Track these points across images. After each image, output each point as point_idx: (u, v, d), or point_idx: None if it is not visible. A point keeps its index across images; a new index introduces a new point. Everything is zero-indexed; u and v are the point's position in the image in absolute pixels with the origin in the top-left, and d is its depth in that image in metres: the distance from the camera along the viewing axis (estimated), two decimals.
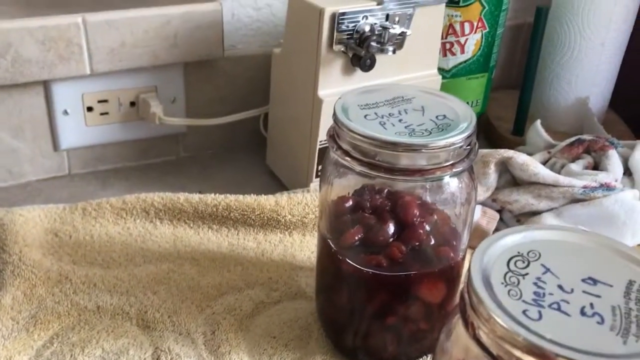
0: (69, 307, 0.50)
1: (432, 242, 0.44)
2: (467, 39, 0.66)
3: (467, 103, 0.69)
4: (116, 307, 0.50)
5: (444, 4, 0.60)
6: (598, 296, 0.27)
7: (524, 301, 0.27)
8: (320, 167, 0.61)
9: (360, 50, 0.56)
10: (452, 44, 0.67)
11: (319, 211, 0.47)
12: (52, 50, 0.59)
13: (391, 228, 0.44)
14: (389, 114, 0.42)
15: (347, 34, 0.56)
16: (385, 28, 0.55)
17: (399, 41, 0.58)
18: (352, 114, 0.42)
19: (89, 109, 0.65)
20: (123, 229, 0.58)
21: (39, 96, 0.62)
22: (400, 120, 0.41)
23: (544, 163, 0.64)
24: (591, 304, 0.27)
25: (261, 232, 0.59)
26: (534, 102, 0.79)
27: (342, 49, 0.56)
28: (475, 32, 0.66)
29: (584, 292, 0.27)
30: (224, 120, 0.69)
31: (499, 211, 0.60)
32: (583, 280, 0.28)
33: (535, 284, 0.28)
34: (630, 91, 0.82)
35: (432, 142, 0.39)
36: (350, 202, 0.46)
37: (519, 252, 0.29)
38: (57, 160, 0.67)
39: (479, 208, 0.59)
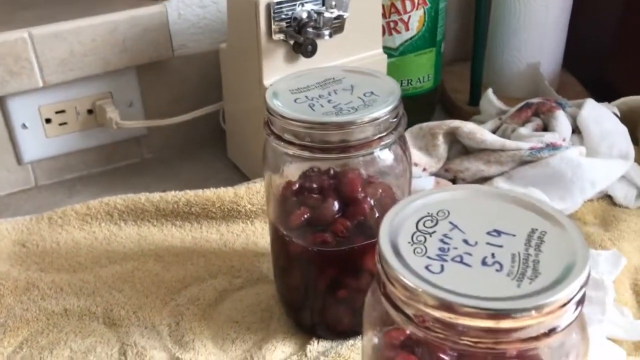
0: (37, 313, 0.51)
1: (377, 215, 0.46)
2: (410, 16, 0.68)
3: (418, 79, 0.71)
4: (83, 308, 0.52)
5: None
6: (500, 246, 0.29)
7: (428, 257, 0.28)
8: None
9: (299, 37, 0.57)
10: (395, 22, 0.68)
11: (265, 198, 0.49)
12: (1, 67, 0.60)
13: (335, 205, 0.46)
14: (319, 96, 0.44)
15: (286, 23, 0.57)
16: (319, 13, 0.56)
17: (338, 25, 0.59)
18: (283, 98, 0.43)
19: (47, 120, 0.66)
20: (88, 234, 0.60)
21: None
22: (329, 101, 0.43)
23: (496, 129, 0.66)
24: (492, 254, 0.28)
25: (223, 223, 0.61)
26: (488, 71, 0.80)
27: (282, 38, 0.58)
28: (417, 9, 0.68)
29: (487, 243, 0.29)
30: (181, 119, 0.70)
31: (452, 180, 0.61)
32: (488, 233, 0.29)
33: (441, 240, 0.29)
34: (583, 51, 0.83)
35: (358, 119, 0.40)
36: (296, 186, 0.47)
37: (428, 213, 0.31)
38: (22, 174, 0.68)
39: (432, 179, 0.61)
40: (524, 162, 0.59)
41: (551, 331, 0.26)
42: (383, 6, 0.67)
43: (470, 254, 0.28)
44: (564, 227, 0.29)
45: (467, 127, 0.60)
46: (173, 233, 0.60)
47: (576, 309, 0.27)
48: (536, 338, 0.26)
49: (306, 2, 0.57)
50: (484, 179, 0.60)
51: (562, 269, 0.27)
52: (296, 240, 0.45)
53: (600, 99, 0.68)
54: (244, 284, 0.54)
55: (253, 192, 0.61)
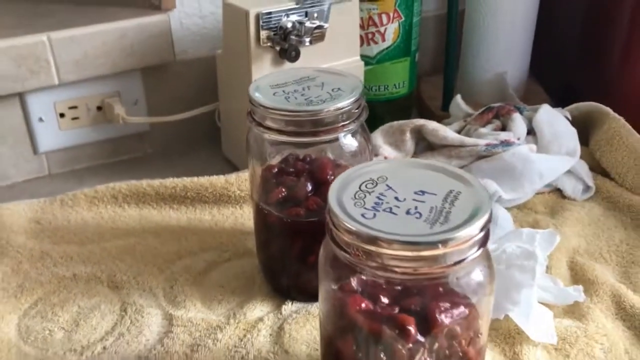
0: (50, 277, 0.59)
1: None
2: (385, 28, 0.76)
3: (394, 85, 0.79)
4: (90, 274, 0.59)
5: (357, 0, 0.69)
6: (423, 202, 0.36)
7: (364, 208, 0.36)
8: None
9: (284, 44, 0.65)
10: (373, 34, 0.76)
11: (249, 181, 0.57)
12: (23, 66, 0.69)
13: (308, 185, 0.53)
14: (294, 90, 0.52)
15: (273, 31, 0.65)
16: (301, 23, 0.64)
17: (319, 34, 0.67)
18: (264, 92, 0.51)
19: (61, 115, 0.74)
20: (96, 214, 0.68)
21: (16, 107, 0.72)
22: (302, 95, 0.51)
23: (461, 130, 0.74)
24: (415, 207, 0.36)
25: (215, 207, 0.69)
26: (461, 80, 0.88)
27: (270, 44, 0.66)
28: (392, 22, 0.76)
29: (413, 200, 0.37)
30: (181, 117, 0.78)
31: None
32: (415, 192, 0.37)
33: (377, 197, 0.37)
34: (549, 61, 0.91)
35: (325, 108, 0.48)
36: (275, 169, 0.55)
37: (370, 178, 0.39)
38: (37, 163, 0.76)
39: None
40: (480, 157, 0.67)
41: (457, 263, 0.34)
42: (362, 19, 0.75)
43: (398, 207, 0.36)
44: (475, 188, 0.37)
45: (431, 125, 0.68)
46: (170, 214, 0.68)
47: (479, 247, 0.35)
48: (446, 267, 0.34)
49: (291, 13, 0.65)
50: None
51: (467, 217, 0.35)
52: (275, 213, 0.53)
53: (564, 105, 0.76)
54: (231, 257, 0.62)
55: (242, 180, 0.69)
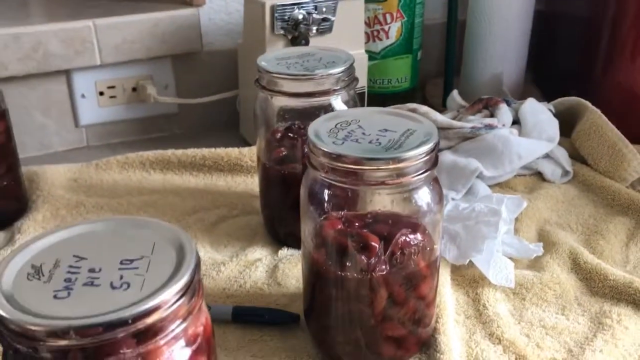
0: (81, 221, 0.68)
1: None
2: (389, 27, 0.85)
3: (397, 79, 0.88)
4: None
5: None
6: (384, 136, 0.45)
7: (336, 138, 0.44)
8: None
9: (295, 32, 0.75)
10: (378, 32, 0.85)
11: (257, 143, 0.66)
12: (71, 47, 0.79)
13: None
14: (295, 62, 0.61)
15: (286, 21, 0.75)
16: (309, 14, 0.74)
17: (327, 26, 0.77)
18: (269, 63, 0.60)
19: (101, 93, 0.85)
20: (125, 176, 0.77)
21: (62, 83, 0.83)
22: (301, 65, 0.60)
23: (454, 118, 0.82)
24: (377, 139, 0.44)
25: (229, 175, 0.78)
26: (462, 80, 0.96)
27: (282, 33, 0.75)
28: (395, 21, 0.85)
29: (377, 134, 0.45)
30: (206, 100, 0.88)
31: None
32: (379, 130, 0.46)
33: (348, 132, 0.45)
34: (549, 70, 0.99)
35: (318, 73, 0.57)
36: (279, 134, 0.64)
37: (345, 120, 0.47)
38: (77, 135, 0.87)
39: None
40: (466, 139, 0.75)
41: (404, 176, 0.42)
42: (368, 17, 0.85)
43: (363, 139, 0.44)
44: (428, 127, 0.45)
45: (422, 109, 0.76)
46: (190, 179, 0.77)
47: (425, 170, 0.43)
48: (395, 182, 0.42)
49: (302, 7, 0.75)
50: None
51: (415, 145, 0.43)
52: (275, 167, 0.62)
53: None
54: (239, 213, 0.71)
55: (254, 152, 0.78)
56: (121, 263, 0.30)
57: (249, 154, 0.78)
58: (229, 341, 0.52)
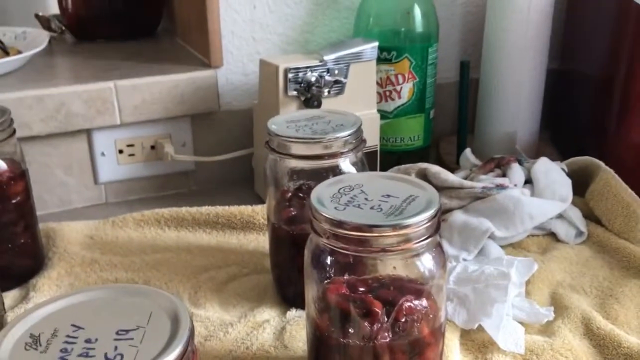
0: (96, 279, 0.69)
1: None
2: (401, 87, 0.87)
3: (410, 137, 0.89)
4: (129, 279, 0.69)
5: (374, 60, 0.80)
6: (386, 202, 0.45)
7: (338, 204, 0.45)
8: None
9: (308, 94, 0.76)
10: (390, 92, 0.87)
11: (267, 203, 0.66)
12: (92, 107, 0.82)
13: None
14: (305, 125, 0.62)
15: (298, 83, 0.77)
16: (322, 76, 0.76)
17: (339, 88, 0.78)
18: (279, 126, 0.62)
19: (120, 151, 0.87)
20: (140, 233, 0.79)
21: (83, 142, 0.85)
22: (310, 128, 0.61)
23: (466, 177, 0.82)
24: (379, 205, 0.45)
25: (242, 232, 0.79)
26: (477, 138, 0.97)
27: (295, 94, 0.77)
28: (407, 82, 0.86)
29: (379, 200, 0.46)
30: (222, 158, 0.90)
31: None
32: (382, 195, 0.46)
33: (351, 197, 0.46)
34: (564, 128, 0.99)
35: (326, 137, 0.58)
36: (289, 194, 0.65)
37: (349, 185, 0.48)
38: (97, 192, 0.89)
39: None
40: (477, 198, 0.75)
41: (406, 242, 0.42)
42: (380, 78, 0.86)
43: (365, 204, 0.45)
44: (430, 193, 0.46)
45: (434, 168, 0.76)
46: (203, 237, 0.78)
47: (427, 236, 0.43)
48: (397, 249, 0.42)
49: (315, 69, 0.77)
50: (446, 211, 0.76)
51: (418, 212, 0.43)
52: (285, 228, 0.63)
53: None
54: (250, 272, 0.71)
55: (266, 214, 0.79)
56: (117, 333, 0.31)
57: (262, 212, 0.79)
58: None
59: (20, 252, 0.68)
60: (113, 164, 0.88)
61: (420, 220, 0.43)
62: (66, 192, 0.87)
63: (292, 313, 0.63)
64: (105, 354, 0.29)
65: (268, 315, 0.63)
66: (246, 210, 0.79)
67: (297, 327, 0.61)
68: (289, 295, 0.65)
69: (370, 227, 0.42)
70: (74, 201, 0.88)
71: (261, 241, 0.77)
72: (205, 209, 0.79)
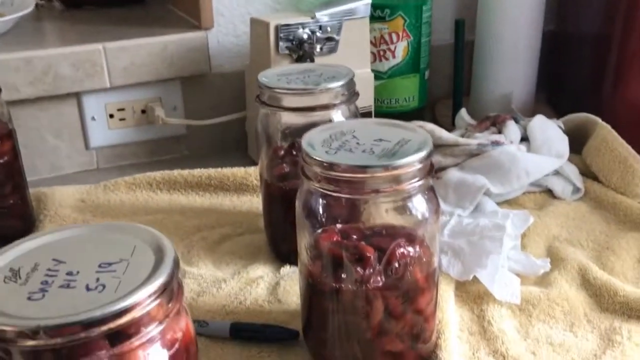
0: None
1: None
2: (395, 46, 0.85)
3: (404, 98, 0.88)
4: None
5: (367, 17, 0.79)
6: (378, 145, 0.44)
7: (330, 148, 0.44)
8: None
9: (299, 52, 0.75)
10: (384, 51, 0.85)
11: (260, 161, 0.65)
12: (81, 70, 0.81)
13: None
14: (296, 78, 0.61)
15: (290, 41, 0.75)
16: (313, 33, 0.74)
17: (332, 46, 0.77)
18: (270, 79, 0.61)
19: (111, 115, 0.86)
20: (132, 197, 0.78)
21: (73, 106, 0.84)
22: (302, 81, 0.60)
23: (461, 136, 0.81)
24: (371, 148, 0.44)
25: (235, 194, 0.78)
26: (472, 99, 0.96)
27: (287, 52, 0.76)
28: (401, 41, 0.85)
29: (371, 144, 0.45)
30: (214, 121, 0.89)
31: None
32: (374, 140, 0.45)
33: (342, 142, 0.45)
34: (561, 88, 0.98)
35: (318, 88, 0.57)
36: (281, 152, 0.64)
37: (341, 130, 0.47)
38: (88, 157, 0.87)
39: None
40: (472, 155, 0.74)
41: (398, 184, 0.41)
42: (374, 37, 0.85)
43: (357, 148, 0.44)
44: (423, 136, 0.45)
45: (427, 126, 0.75)
46: (196, 199, 0.77)
47: (419, 178, 0.42)
48: (389, 190, 0.41)
49: (306, 26, 0.75)
50: (441, 169, 0.75)
51: (410, 154, 0.42)
52: (277, 184, 0.62)
53: None
54: (244, 232, 0.70)
55: (259, 172, 0.78)
56: (99, 266, 0.30)
57: (255, 174, 0.78)
58: (226, 358, 0.52)
59: (10, 213, 0.67)
60: (104, 129, 0.86)
61: (412, 161, 0.42)
62: (57, 158, 0.86)
63: (286, 269, 0.63)
64: (87, 285, 0.28)
65: (262, 272, 0.63)
66: (239, 172, 0.78)
67: (291, 282, 0.60)
68: (282, 252, 0.64)
69: (362, 168, 0.41)
70: (65, 167, 0.87)
71: (255, 203, 0.76)
72: (197, 172, 0.78)
